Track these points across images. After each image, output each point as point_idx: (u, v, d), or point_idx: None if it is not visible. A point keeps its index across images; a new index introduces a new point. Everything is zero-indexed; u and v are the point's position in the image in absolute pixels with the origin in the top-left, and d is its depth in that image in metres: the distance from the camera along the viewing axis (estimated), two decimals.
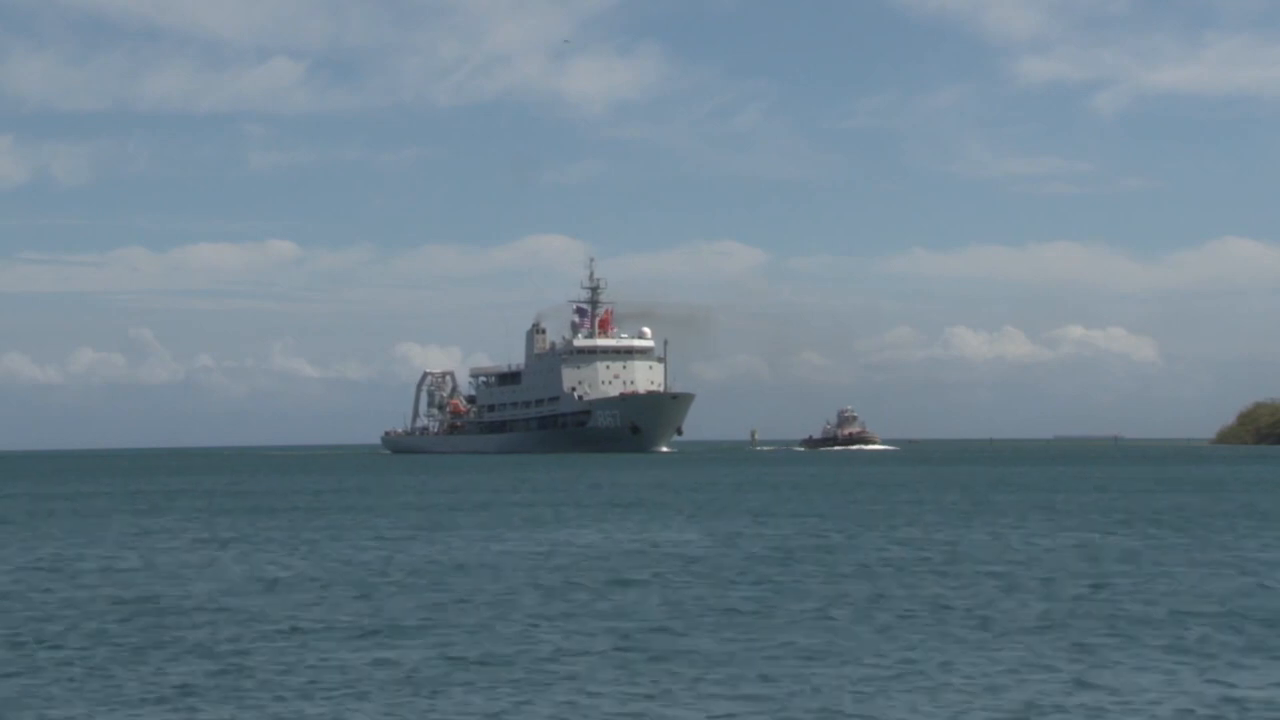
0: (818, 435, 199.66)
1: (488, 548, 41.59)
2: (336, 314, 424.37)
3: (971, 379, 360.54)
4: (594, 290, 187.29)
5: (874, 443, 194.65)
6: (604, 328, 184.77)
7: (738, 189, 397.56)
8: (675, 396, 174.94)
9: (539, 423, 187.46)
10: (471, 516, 56.38)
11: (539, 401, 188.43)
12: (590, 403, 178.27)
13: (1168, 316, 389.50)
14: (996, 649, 22.43)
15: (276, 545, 43.55)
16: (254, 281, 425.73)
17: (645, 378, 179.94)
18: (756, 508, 60.06)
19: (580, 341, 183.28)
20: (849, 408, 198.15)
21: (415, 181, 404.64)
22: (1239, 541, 41.38)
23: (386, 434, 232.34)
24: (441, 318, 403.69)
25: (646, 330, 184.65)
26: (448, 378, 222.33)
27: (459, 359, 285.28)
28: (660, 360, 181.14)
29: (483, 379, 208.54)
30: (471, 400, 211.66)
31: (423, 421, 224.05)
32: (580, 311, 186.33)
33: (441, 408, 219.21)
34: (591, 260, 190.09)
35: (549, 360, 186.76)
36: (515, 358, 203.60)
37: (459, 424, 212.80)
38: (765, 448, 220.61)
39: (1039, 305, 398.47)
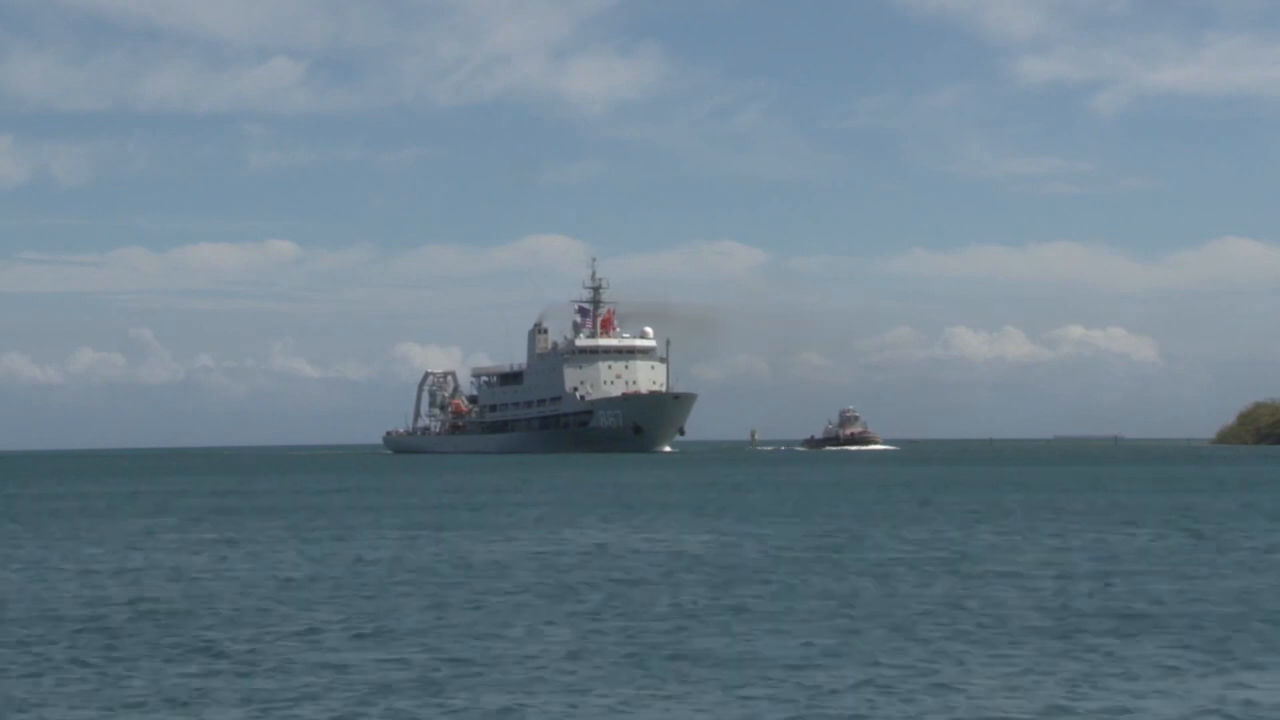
0: (819, 435, 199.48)
1: (497, 547, 41.66)
2: (336, 314, 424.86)
3: (971, 379, 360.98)
4: (596, 290, 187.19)
5: (876, 443, 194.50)
6: (606, 328, 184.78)
7: (738, 189, 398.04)
8: (678, 397, 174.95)
9: (541, 423, 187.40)
10: (478, 516, 56.45)
11: (541, 401, 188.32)
12: (592, 403, 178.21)
13: (1168, 316, 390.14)
14: (1014, 650, 22.48)
15: (284, 545, 43.62)
16: (254, 281, 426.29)
17: (647, 378, 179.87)
18: (771, 508, 60.13)
19: (582, 341, 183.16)
20: (851, 408, 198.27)
21: (415, 181, 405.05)
22: (1250, 540, 41.52)
23: (388, 434, 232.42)
24: (441, 318, 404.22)
25: (649, 330, 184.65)
26: (449, 378, 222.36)
27: (459, 359, 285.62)
28: (662, 360, 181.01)
29: (484, 379, 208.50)
30: (473, 400, 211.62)
31: (424, 421, 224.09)
32: (582, 311, 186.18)
33: (443, 408, 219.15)
34: (594, 260, 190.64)
35: (551, 360, 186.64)
36: (515, 358, 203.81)
37: (461, 424, 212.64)
38: (767, 448, 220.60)
39: (1039, 305, 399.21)
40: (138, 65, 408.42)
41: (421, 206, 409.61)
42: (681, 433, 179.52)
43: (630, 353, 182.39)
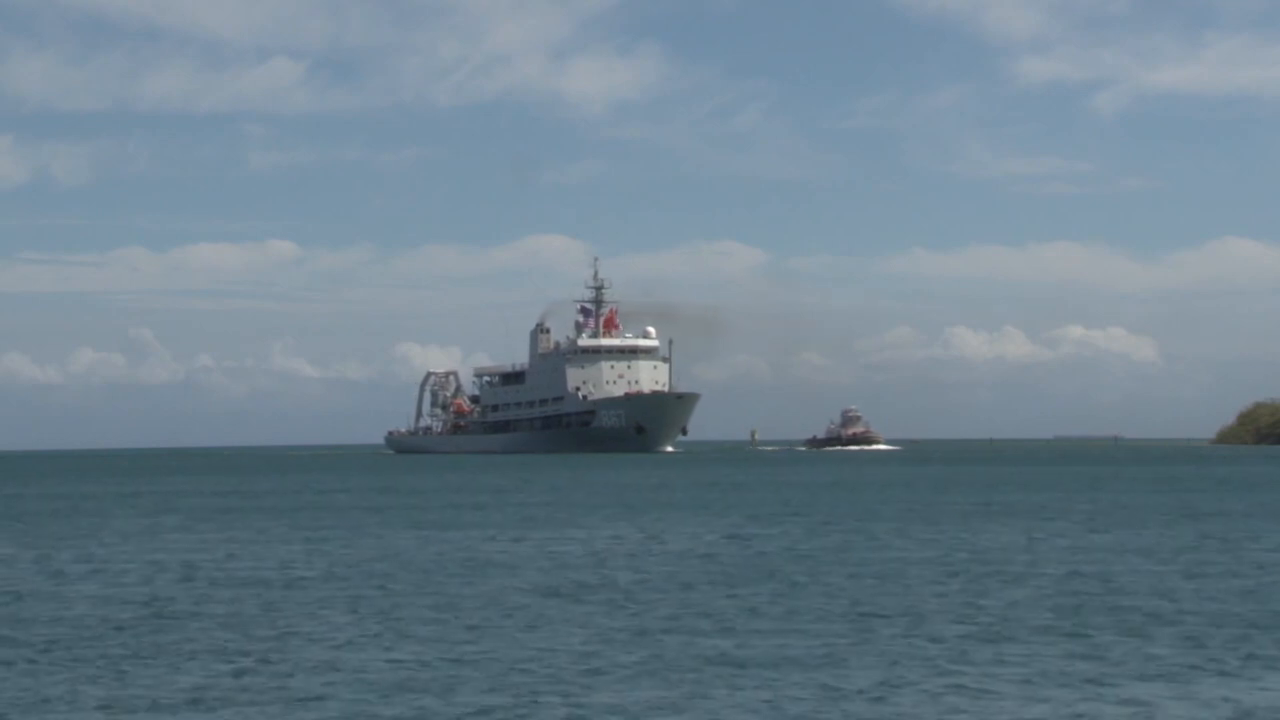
0: (821, 435, 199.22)
1: (503, 547, 41.80)
2: (336, 314, 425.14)
3: (971, 379, 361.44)
4: (598, 290, 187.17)
5: (878, 443, 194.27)
6: (609, 327, 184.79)
7: (738, 189, 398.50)
8: (680, 396, 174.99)
9: (543, 423, 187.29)
10: (482, 515, 56.57)
11: (543, 401, 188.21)
12: (595, 403, 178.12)
13: (1168, 316, 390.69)
14: (1029, 650, 22.69)
15: (291, 545, 43.74)
16: (254, 281, 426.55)
17: (650, 378, 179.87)
18: (781, 509, 60.22)
19: (585, 341, 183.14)
20: (853, 407, 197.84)
21: (415, 181, 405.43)
22: (1258, 540, 41.76)
23: (390, 434, 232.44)
24: (441, 318, 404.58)
25: (651, 330, 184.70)
26: (451, 377, 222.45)
27: (459, 359, 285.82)
28: (665, 360, 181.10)
29: (486, 379, 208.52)
30: (475, 400, 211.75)
31: (426, 421, 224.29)
32: (585, 311, 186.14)
33: (445, 407, 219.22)
34: (596, 260, 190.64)
35: (553, 360, 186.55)
36: (515, 357, 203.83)
37: (463, 424, 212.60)
38: (770, 448, 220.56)
39: (1039, 305, 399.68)
40: (138, 65, 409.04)
41: (421, 206, 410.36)
42: (684, 433, 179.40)
43: (633, 352, 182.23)
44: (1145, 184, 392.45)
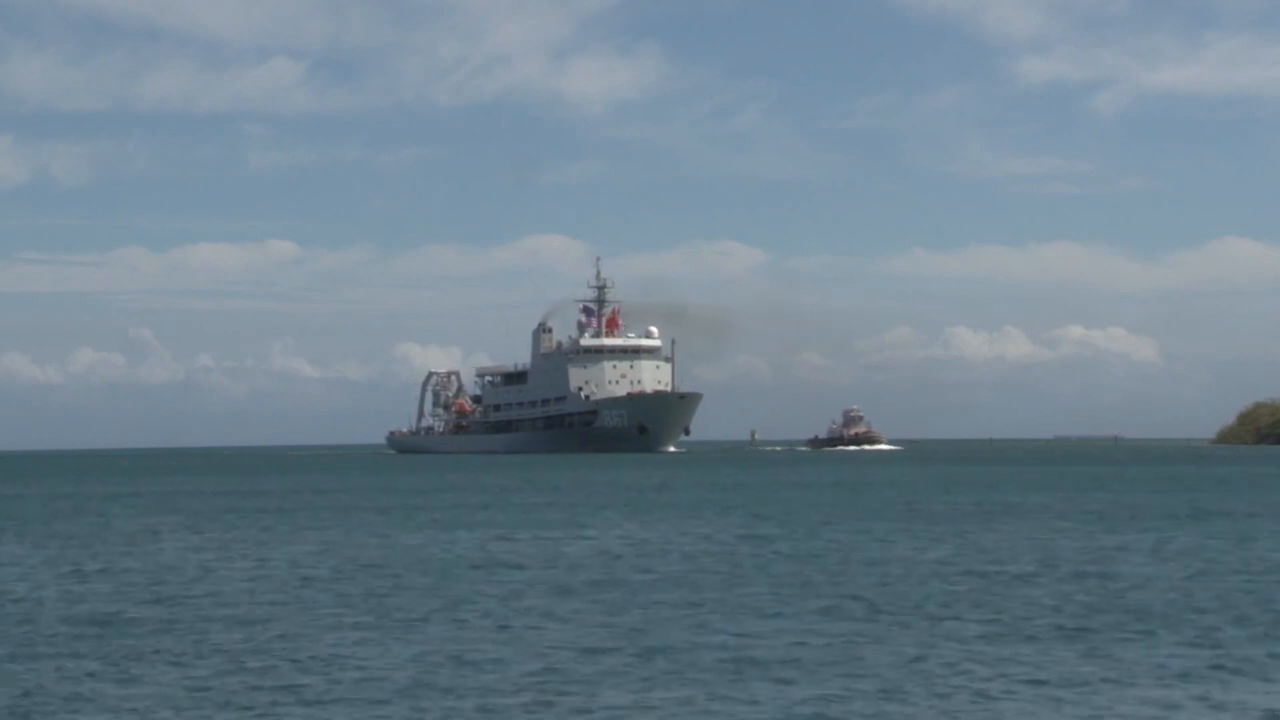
0: (823, 435, 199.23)
1: (511, 547, 41.91)
2: (336, 314, 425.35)
3: (971, 379, 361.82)
4: (601, 290, 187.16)
5: (880, 443, 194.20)
6: (611, 327, 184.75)
7: (738, 189, 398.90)
8: (683, 396, 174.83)
9: (545, 422, 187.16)
10: (489, 515, 56.73)
11: (545, 401, 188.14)
12: (597, 402, 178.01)
13: (1168, 316, 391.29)
14: (1044, 650, 22.93)
15: (297, 545, 43.82)
16: (254, 281, 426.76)
17: (652, 377, 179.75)
18: (795, 511, 60.33)
19: (587, 341, 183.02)
20: (855, 407, 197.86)
21: (415, 181, 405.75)
22: (1266, 541, 42.09)
23: (392, 434, 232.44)
24: (441, 318, 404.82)
25: (654, 330, 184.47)
26: (453, 377, 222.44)
27: (459, 359, 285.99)
28: (668, 360, 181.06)
29: (488, 379, 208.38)
30: (477, 400, 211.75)
31: (428, 421, 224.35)
32: (587, 311, 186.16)
33: (447, 407, 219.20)
34: (598, 260, 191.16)
35: (556, 360, 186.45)
36: (515, 357, 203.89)
37: (465, 424, 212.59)
38: (775, 448, 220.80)
39: (1039, 305, 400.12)
40: (138, 65, 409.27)
41: (421, 206, 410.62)
42: (687, 432, 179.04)
43: (635, 352, 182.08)
44: (1145, 184, 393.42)
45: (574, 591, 30.11)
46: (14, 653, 23.08)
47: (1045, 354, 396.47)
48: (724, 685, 19.80)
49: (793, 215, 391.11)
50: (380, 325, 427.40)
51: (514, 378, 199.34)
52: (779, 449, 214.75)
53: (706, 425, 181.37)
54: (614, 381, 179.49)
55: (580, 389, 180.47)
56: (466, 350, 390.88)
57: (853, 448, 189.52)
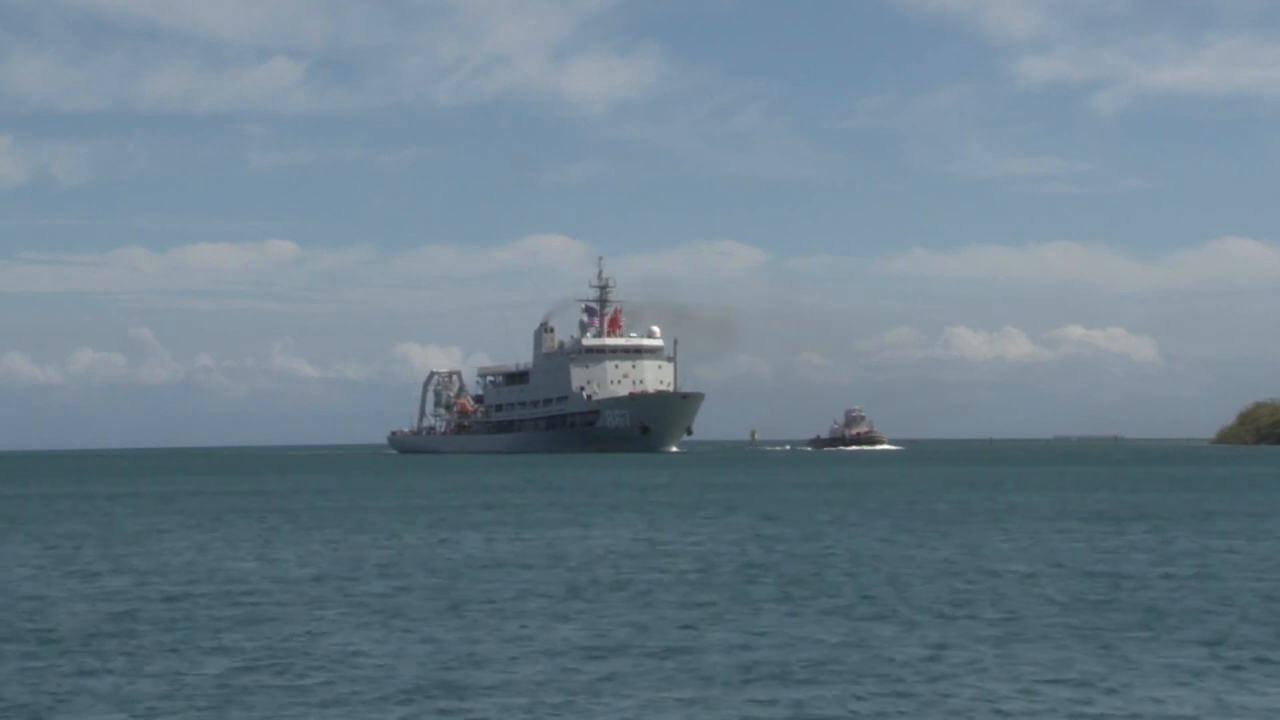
0: (825, 435, 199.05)
1: (516, 547, 42.02)
2: (336, 314, 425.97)
3: (971, 379, 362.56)
4: (603, 289, 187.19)
5: (881, 443, 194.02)
6: (613, 327, 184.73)
7: (738, 189, 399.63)
8: (685, 396, 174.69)
9: (547, 422, 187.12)
10: (497, 515, 56.76)
11: (547, 401, 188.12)
12: (599, 402, 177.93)
13: (1168, 316, 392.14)
14: (1061, 648, 23.08)
15: (301, 545, 43.93)
16: (254, 281, 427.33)
17: (655, 377, 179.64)
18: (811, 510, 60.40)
19: (589, 341, 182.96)
20: (857, 407, 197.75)
21: (415, 181, 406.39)
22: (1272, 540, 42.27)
23: (393, 434, 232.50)
24: (441, 318, 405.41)
25: (656, 329, 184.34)
26: (455, 377, 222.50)
27: (459, 359, 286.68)
28: (670, 360, 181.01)
29: (490, 379, 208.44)
30: (479, 400, 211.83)
31: (429, 421, 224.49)
32: (589, 311, 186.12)
33: (449, 407, 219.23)
34: (600, 260, 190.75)
35: (558, 360, 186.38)
36: (515, 357, 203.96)
37: (466, 424, 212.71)
38: (780, 447, 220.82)
39: (1039, 305, 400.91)
40: (138, 65, 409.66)
41: (421, 206, 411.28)
42: (689, 432, 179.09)
43: (638, 352, 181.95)
44: (1145, 184, 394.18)
45: (585, 592, 30.16)
46: (27, 650, 23.23)
47: (1045, 354, 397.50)
48: (737, 685, 19.83)
49: (793, 215, 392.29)
50: (380, 325, 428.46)
51: (516, 377, 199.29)
52: (785, 448, 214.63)
53: (706, 425, 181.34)
54: (616, 381, 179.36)
55: (582, 389, 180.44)
56: (466, 350, 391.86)
57: (855, 448, 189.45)
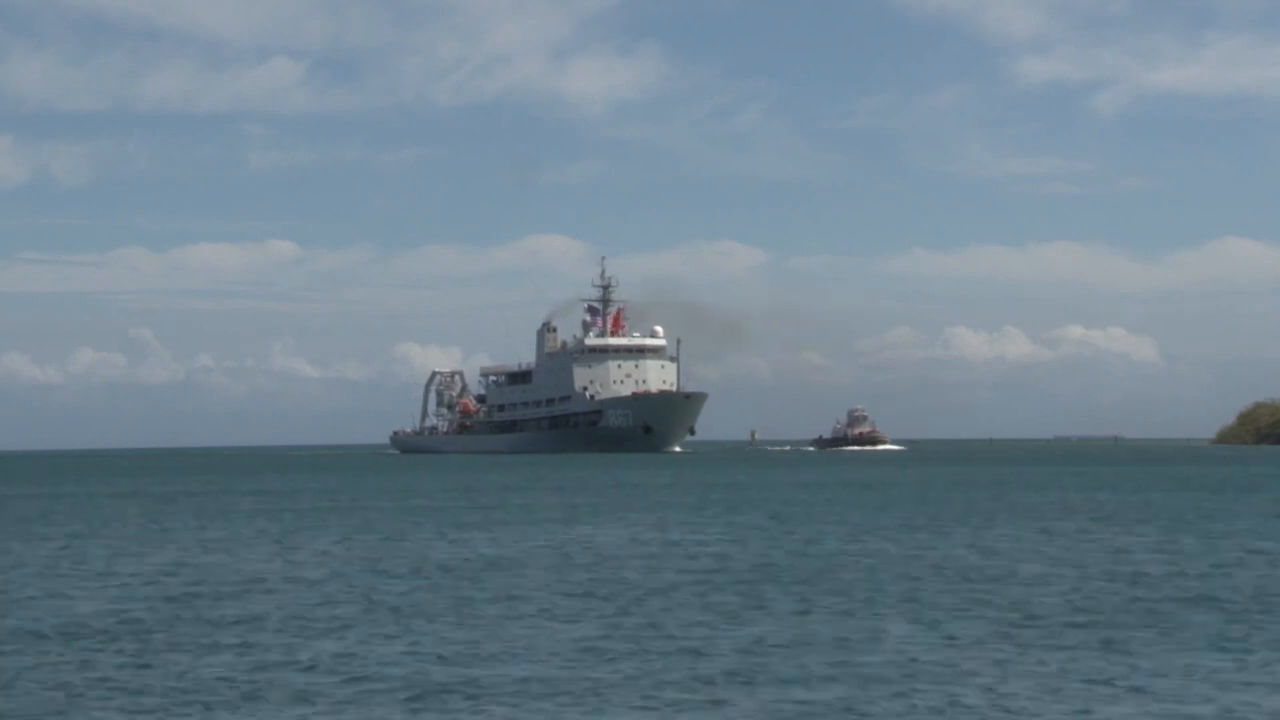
0: (828, 435, 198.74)
1: (522, 546, 42.07)
2: (336, 314, 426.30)
3: (971, 379, 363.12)
4: (605, 289, 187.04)
5: (884, 443, 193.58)
6: (616, 327, 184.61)
7: (738, 189, 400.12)
8: (688, 396, 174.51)
9: (550, 422, 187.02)
10: (497, 515, 56.87)
11: (550, 401, 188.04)
12: (602, 402, 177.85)
13: (1168, 316, 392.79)
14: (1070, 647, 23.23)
15: (307, 544, 44.06)
16: (254, 281, 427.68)
17: (657, 377, 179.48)
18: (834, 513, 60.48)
19: (592, 340, 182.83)
20: (859, 407, 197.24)
21: (415, 181, 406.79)
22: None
23: (395, 433, 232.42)
24: (441, 318, 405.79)
25: (659, 329, 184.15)
26: (457, 377, 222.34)
27: (459, 359, 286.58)
28: (673, 359, 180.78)
29: (493, 378, 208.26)
30: (481, 400, 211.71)
31: (432, 421, 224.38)
32: (592, 310, 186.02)
33: (451, 407, 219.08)
34: (603, 259, 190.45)
35: (560, 359, 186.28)
36: (515, 357, 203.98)
37: (469, 424, 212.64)
38: (782, 447, 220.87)
39: (1039, 305, 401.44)
40: (138, 65, 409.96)
41: (421, 206, 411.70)
42: (692, 432, 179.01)
43: (640, 352, 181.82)
44: (1145, 184, 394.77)
45: (595, 592, 30.19)
46: (40, 649, 23.29)
47: (1045, 354, 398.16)
48: (748, 685, 19.82)
49: (793, 215, 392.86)
50: (380, 325, 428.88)
51: (518, 377, 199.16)
52: (786, 449, 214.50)
53: (707, 425, 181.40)
54: (619, 381, 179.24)
55: (585, 389, 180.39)
56: (467, 350, 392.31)
57: (857, 448, 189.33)
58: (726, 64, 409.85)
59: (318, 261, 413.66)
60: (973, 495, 69.40)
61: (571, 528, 48.50)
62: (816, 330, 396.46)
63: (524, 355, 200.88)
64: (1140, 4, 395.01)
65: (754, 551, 38.98)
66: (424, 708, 18.68)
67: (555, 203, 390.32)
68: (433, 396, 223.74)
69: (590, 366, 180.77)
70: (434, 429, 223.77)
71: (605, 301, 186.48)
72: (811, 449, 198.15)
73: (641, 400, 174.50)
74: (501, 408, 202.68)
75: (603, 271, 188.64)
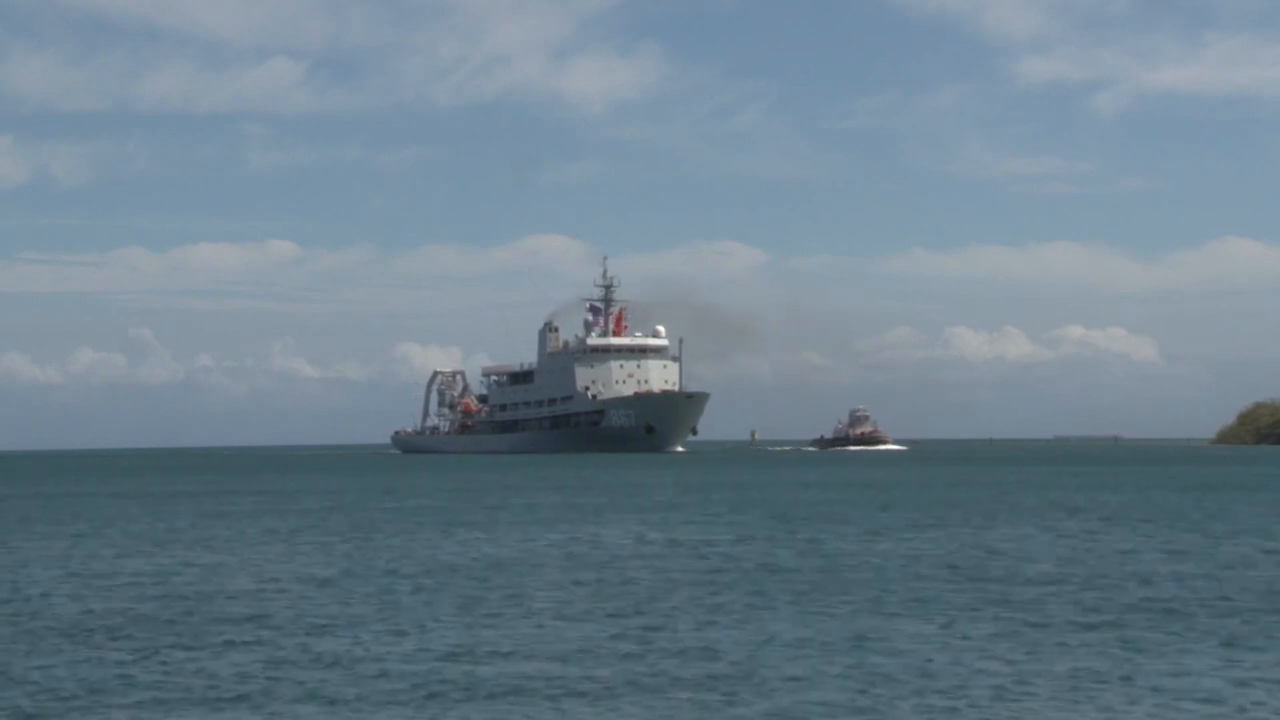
0: (829, 435, 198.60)
1: (527, 547, 42.12)
2: (336, 314, 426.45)
3: (971, 379, 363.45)
4: (608, 289, 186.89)
5: (886, 443, 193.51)
6: (619, 327, 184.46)
7: (738, 189, 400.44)
8: (691, 396, 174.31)
9: (552, 422, 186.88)
10: (501, 515, 56.92)
11: (552, 401, 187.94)
12: (604, 402, 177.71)
13: (1168, 316, 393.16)
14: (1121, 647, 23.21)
15: (312, 545, 44.11)
16: (254, 281, 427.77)
17: (659, 377, 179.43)
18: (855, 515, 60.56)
19: (594, 340, 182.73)
20: (861, 407, 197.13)
21: (415, 181, 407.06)
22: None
23: (397, 433, 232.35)
24: (441, 318, 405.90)
25: (661, 329, 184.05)
26: (458, 377, 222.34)
27: (459, 359, 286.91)
28: (675, 359, 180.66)
29: (494, 378, 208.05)
30: (483, 400, 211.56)
31: (433, 421, 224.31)
32: (594, 310, 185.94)
33: (452, 407, 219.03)
34: (605, 259, 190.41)
35: (562, 359, 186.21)
36: (515, 357, 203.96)
37: (470, 424, 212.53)
38: (780, 448, 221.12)
39: (1039, 305, 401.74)
40: (138, 65, 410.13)
41: (421, 206, 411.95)
42: (694, 432, 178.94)
43: (642, 352, 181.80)
44: (1145, 184, 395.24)
45: (602, 591, 30.20)
46: (48, 648, 23.38)
47: (1045, 354, 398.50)
48: (754, 685, 19.83)
49: (793, 215, 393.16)
50: (380, 325, 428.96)
51: (520, 377, 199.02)
52: (786, 449, 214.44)
53: (706, 426, 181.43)
54: (621, 381, 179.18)
55: (587, 388, 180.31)
56: (467, 350, 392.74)
57: (859, 448, 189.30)
58: (726, 64, 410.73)
59: (318, 261, 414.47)
60: (976, 495, 69.42)
61: (576, 527, 48.54)
62: (816, 330, 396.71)
63: (524, 355, 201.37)
64: (1140, 4, 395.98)
65: (761, 551, 39.02)
66: (431, 707, 18.67)
67: (555, 203, 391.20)
68: (434, 396, 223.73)
69: (592, 366, 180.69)
70: (435, 429, 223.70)
71: (607, 301, 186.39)
72: (812, 449, 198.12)
73: (644, 400, 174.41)
74: (503, 408, 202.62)
75: (605, 271, 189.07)
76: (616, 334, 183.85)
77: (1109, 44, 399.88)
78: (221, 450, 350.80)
